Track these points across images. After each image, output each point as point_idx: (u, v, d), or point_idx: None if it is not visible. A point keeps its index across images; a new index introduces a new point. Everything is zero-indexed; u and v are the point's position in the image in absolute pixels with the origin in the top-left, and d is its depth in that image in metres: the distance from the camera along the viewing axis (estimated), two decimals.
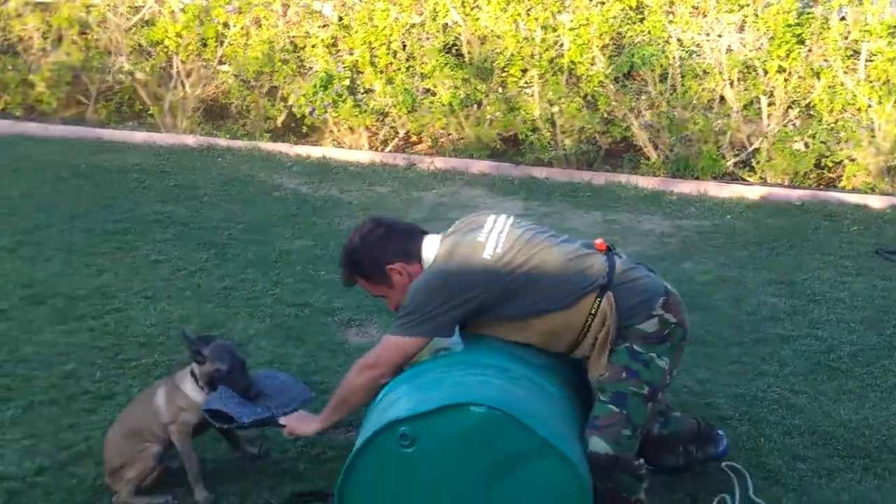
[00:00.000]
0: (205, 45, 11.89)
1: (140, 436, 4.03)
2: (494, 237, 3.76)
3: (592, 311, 3.68)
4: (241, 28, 11.78)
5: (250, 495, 4.14)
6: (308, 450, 4.51)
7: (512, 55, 10.94)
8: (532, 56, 10.88)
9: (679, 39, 10.70)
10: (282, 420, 3.95)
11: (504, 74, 11.08)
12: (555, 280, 3.68)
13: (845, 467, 4.64)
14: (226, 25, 11.78)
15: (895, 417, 5.15)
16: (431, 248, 3.86)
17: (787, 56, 10.27)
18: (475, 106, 11.27)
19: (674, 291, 3.88)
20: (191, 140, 11.31)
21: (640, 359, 3.70)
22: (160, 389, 4.12)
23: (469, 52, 11.31)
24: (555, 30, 10.87)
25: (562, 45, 10.84)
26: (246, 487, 4.19)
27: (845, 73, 10.18)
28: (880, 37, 9.96)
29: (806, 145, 10.33)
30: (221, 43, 11.84)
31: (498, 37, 11.05)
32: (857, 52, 10.19)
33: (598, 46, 10.74)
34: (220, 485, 4.19)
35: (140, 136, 11.37)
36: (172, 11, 11.87)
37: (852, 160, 10.23)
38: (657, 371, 3.72)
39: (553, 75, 10.89)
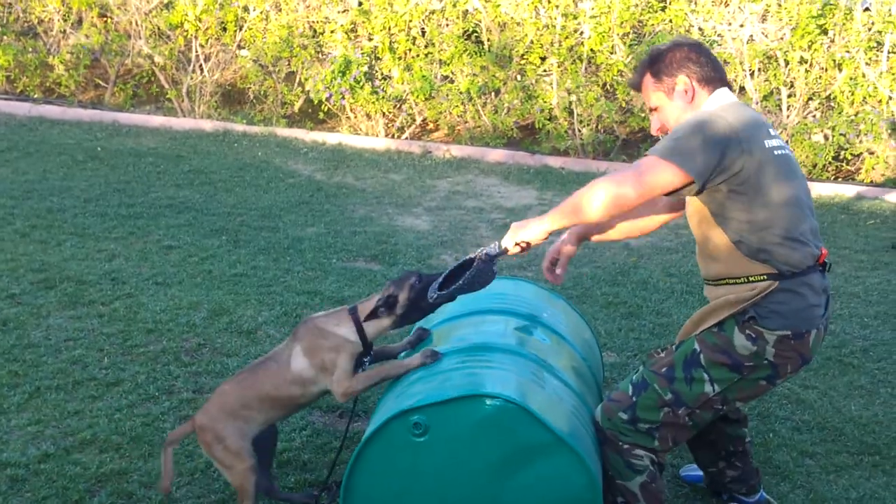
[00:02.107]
0: (224, 29, 11.91)
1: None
2: (778, 141, 3.58)
3: (752, 278, 3.49)
4: (261, 12, 11.78)
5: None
6: (313, 440, 4.50)
7: (531, 43, 10.89)
8: (552, 44, 10.83)
9: (700, 29, 10.62)
10: (505, 239, 3.61)
11: (523, 62, 11.03)
12: (781, 226, 3.47)
13: (854, 464, 4.59)
14: (245, 9, 11.79)
15: None
16: (723, 97, 3.60)
17: (810, 47, 10.18)
18: (493, 94, 11.23)
19: (814, 339, 3.56)
20: (207, 125, 11.32)
21: (689, 372, 3.56)
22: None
23: (489, 39, 11.27)
24: (575, 17, 10.82)
25: (582, 32, 10.78)
26: None
27: (867, 64, 10.07)
28: None
29: (825, 137, 10.24)
30: (241, 27, 11.85)
31: (518, 24, 11.00)
32: (879, 44, 10.09)
33: (618, 35, 10.68)
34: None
35: (157, 120, 11.40)
36: None
37: (871, 153, 10.14)
38: (695, 392, 3.53)
39: (572, 63, 10.84)
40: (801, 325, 3.48)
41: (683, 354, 3.58)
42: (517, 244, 3.55)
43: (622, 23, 10.62)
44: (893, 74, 9.91)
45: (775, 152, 3.46)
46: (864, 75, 10.05)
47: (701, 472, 4.28)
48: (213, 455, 3.77)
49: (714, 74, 3.61)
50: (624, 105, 10.80)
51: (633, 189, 3.36)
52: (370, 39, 11.39)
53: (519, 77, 11.11)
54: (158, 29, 12.07)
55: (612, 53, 10.72)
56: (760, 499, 4.18)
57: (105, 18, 12.28)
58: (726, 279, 3.55)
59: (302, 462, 4.31)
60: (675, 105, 3.62)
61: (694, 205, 3.57)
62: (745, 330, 3.48)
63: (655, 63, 3.65)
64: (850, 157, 10.37)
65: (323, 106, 11.54)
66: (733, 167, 3.35)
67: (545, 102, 10.96)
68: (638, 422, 3.57)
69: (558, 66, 10.86)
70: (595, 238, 4.16)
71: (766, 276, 3.45)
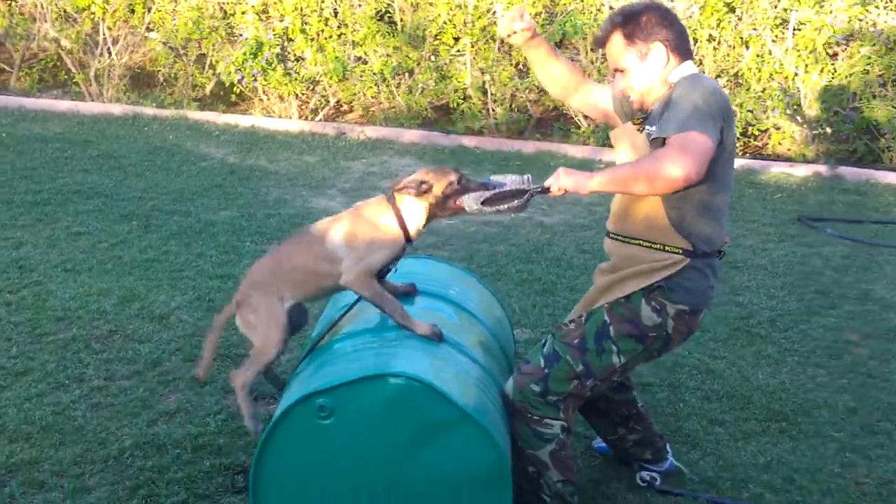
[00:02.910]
0: (132, 11, 11.70)
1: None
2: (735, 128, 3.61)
3: (667, 248, 3.53)
4: None
5: (169, 469, 4.09)
6: (228, 423, 4.47)
7: (444, 23, 10.87)
8: (465, 23, 10.83)
9: (611, 7, 10.69)
10: (551, 179, 3.52)
11: (436, 42, 11.02)
12: (715, 206, 3.55)
13: (762, 430, 4.72)
14: None
15: (811, 381, 5.24)
16: (692, 69, 3.58)
17: (718, 25, 10.33)
18: (407, 74, 11.21)
19: (701, 318, 3.70)
20: (116, 109, 11.12)
21: (601, 343, 3.62)
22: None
23: (401, 20, 11.23)
24: None
25: (494, 12, 10.79)
26: (164, 462, 4.14)
27: (773, 41, 10.27)
28: (809, 6, 10.05)
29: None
30: (149, 9, 11.65)
31: (430, 4, 10.98)
32: (785, 21, 10.28)
33: (530, 14, 10.69)
34: (138, 461, 4.14)
35: (64, 105, 11.17)
36: None
37: (778, 128, 10.36)
38: (604, 363, 3.61)
39: (485, 43, 10.86)
40: (700, 302, 3.61)
41: (594, 326, 3.64)
42: (561, 188, 3.46)
43: (534, 2, 10.65)
44: (799, 51, 10.12)
45: (735, 133, 3.55)
46: (770, 52, 10.25)
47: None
48: (246, 322, 3.79)
49: (685, 45, 3.59)
50: (537, 84, 10.85)
51: (695, 172, 3.20)
52: (282, 20, 11.27)
53: (432, 57, 11.10)
54: (65, 12, 11.79)
55: None
56: (670, 466, 4.27)
57: (9, 2, 11.97)
58: (640, 241, 3.60)
59: (217, 446, 4.29)
60: (647, 69, 3.56)
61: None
62: (650, 301, 3.56)
63: (629, 23, 3.57)
64: (757, 133, 10.58)
65: (235, 88, 11.40)
66: (724, 141, 3.41)
67: (459, 82, 10.98)
68: (549, 394, 3.62)
69: (472, 46, 10.87)
70: (537, 62, 4.01)
71: (681, 251, 3.53)
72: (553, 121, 11.06)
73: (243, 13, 11.36)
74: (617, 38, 3.58)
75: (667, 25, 3.54)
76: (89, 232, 6.97)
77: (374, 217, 3.71)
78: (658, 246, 3.55)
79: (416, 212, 3.68)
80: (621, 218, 3.68)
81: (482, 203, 3.54)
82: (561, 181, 3.44)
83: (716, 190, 3.49)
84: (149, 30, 11.82)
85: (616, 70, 3.64)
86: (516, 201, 3.53)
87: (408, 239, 3.69)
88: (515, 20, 3.75)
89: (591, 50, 10.65)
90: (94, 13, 11.51)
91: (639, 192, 3.35)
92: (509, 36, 3.82)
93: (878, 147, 10.15)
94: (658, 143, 3.34)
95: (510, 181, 3.59)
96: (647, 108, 3.60)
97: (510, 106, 10.93)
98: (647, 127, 3.56)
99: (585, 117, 10.58)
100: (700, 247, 3.54)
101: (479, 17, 10.77)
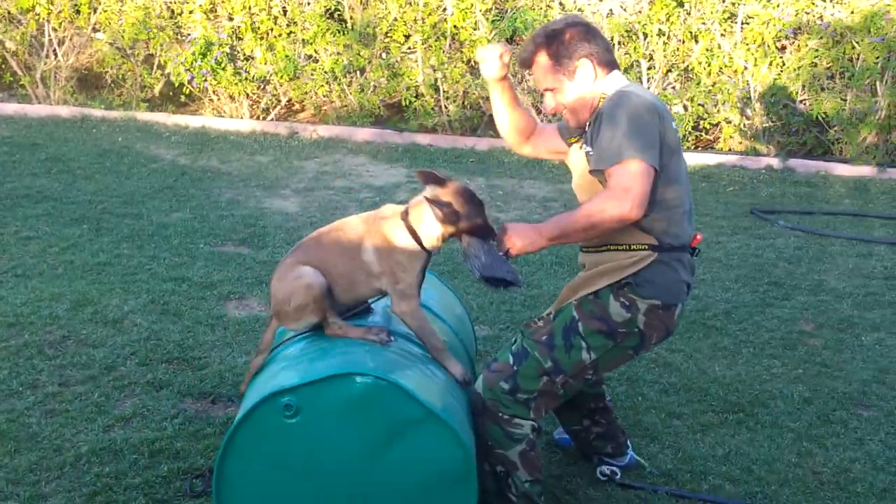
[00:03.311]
0: (78, 12, 11.54)
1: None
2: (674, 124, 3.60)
3: (633, 247, 3.54)
4: None
5: (126, 475, 4.03)
6: (185, 427, 4.42)
7: (395, 20, 10.84)
8: (415, 21, 10.80)
9: (561, 3, 10.74)
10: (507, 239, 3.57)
11: (387, 40, 10.98)
12: (666, 200, 3.53)
13: (719, 422, 4.75)
14: None
15: (767, 372, 5.28)
16: (620, 79, 3.60)
17: (667, 19, 10.39)
18: (358, 73, 11.17)
19: (678, 314, 3.70)
20: (64, 111, 10.98)
21: (569, 339, 3.62)
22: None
23: (351, 18, 11.19)
24: None
25: (445, 9, 10.79)
26: (121, 468, 4.08)
27: (723, 35, 10.35)
28: (757, 0, 10.15)
29: (685, 108, 10.50)
30: (95, 10, 11.50)
31: (380, 1, 10.95)
32: (734, 15, 10.37)
33: (481, 11, 10.72)
34: (94, 467, 4.08)
35: (10, 108, 11.01)
36: None
37: (729, 122, 10.46)
38: (573, 359, 3.63)
39: (436, 40, 10.84)
40: (671, 297, 3.61)
41: (563, 322, 3.65)
42: (518, 251, 3.55)
43: None
44: (747, 45, 10.21)
45: (675, 129, 3.57)
46: (719, 46, 10.33)
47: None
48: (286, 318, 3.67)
49: (610, 56, 3.62)
50: None
51: (631, 203, 3.29)
52: (231, 19, 11.18)
53: (384, 55, 11.06)
54: (9, 13, 11.60)
55: (475, 30, 10.76)
56: (630, 461, 4.28)
57: None
58: (608, 246, 3.62)
59: (175, 450, 4.23)
60: (576, 87, 3.58)
61: (588, 178, 3.61)
62: (619, 297, 3.57)
63: (553, 42, 3.58)
64: (708, 127, 10.67)
65: (185, 89, 11.30)
66: (666, 145, 3.44)
67: (411, 80, 10.96)
68: (518, 391, 3.61)
69: (423, 44, 10.85)
70: (501, 105, 3.97)
71: (647, 247, 3.55)
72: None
73: (191, 12, 11.26)
74: (543, 59, 3.61)
75: (590, 40, 3.58)
76: (39, 236, 6.86)
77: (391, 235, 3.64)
78: (624, 246, 3.57)
79: (431, 230, 3.63)
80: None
81: (481, 276, 3.57)
82: (516, 245, 3.53)
83: (668, 184, 3.50)
84: (95, 30, 11.67)
85: (545, 90, 3.66)
86: (501, 287, 3.64)
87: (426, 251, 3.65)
88: (504, 56, 3.75)
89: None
90: (38, 14, 11.35)
91: (588, 237, 3.49)
92: (489, 68, 3.79)
93: (828, 139, 10.27)
94: (598, 174, 3.42)
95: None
96: (583, 123, 3.63)
97: (463, 103, 10.93)
98: (584, 146, 3.59)
99: (539, 113, 10.60)
100: (665, 241, 3.55)
101: (430, 14, 10.76)
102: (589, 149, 3.51)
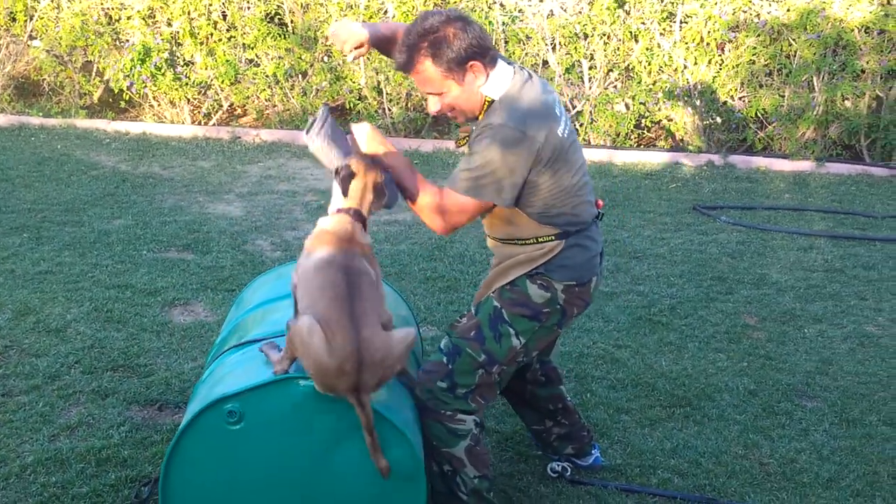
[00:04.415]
0: (13, 19, 11.38)
1: None
2: (564, 119, 3.58)
3: (540, 239, 3.59)
4: (52, 0, 11.28)
5: (73, 484, 3.97)
6: (132, 435, 4.37)
7: None
8: None
9: (502, 4, 10.77)
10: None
11: (329, 43, 10.94)
12: (564, 193, 3.56)
13: (667, 416, 4.80)
14: None
15: (712, 366, 5.34)
16: (505, 73, 3.52)
17: (611, 21, 10.45)
18: (300, 76, 11.12)
19: (594, 286, 3.75)
20: (1, 119, 10.81)
21: (496, 329, 3.65)
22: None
23: (292, 22, 11.14)
24: None
25: (386, 11, 10.77)
26: (68, 478, 4.02)
27: (662, 35, 10.45)
28: None
29: (627, 107, 10.60)
30: (31, 17, 11.33)
31: (321, 4, 10.91)
32: (672, 15, 10.47)
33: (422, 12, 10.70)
34: (40, 477, 4.01)
35: None
36: None
37: (670, 120, 10.56)
38: (505, 347, 3.66)
39: None
40: (584, 275, 3.69)
41: (487, 314, 3.69)
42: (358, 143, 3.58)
43: (425, 1, 10.66)
44: (686, 44, 10.32)
45: (564, 134, 3.57)
46: (659, 45, 10.43)
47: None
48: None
49: (490, 47, 3.51)
50: None
51: (443, 226, 3.60)
52: (170, 25, 11.07)
53: (326, 58, 11.03)
54: None
55: None
56: (595, 462, 4.30)
57: None
58: (515, 240, 3.68)
59: (122, 458, 4.19)
60: (466, 91, 3.50)
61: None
62: (536, 282, 3.64)
63: (434, 45, 3.41)
64: (650, 125, 10.76)
65: (124, 95, 11.18)
66: (537, 179, 3.50)
67: (354, 83, 10.93)
68: (457, 388, 3.62)
69: None
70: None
71: (553, 237, 3.61)
72: (450, 119, 11.06)
73: (129, 18, 11.12)
74: (428, 66, 3.45)
75: (472, 35, 3.43)
76: None
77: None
78: (531, 240, 3.63)
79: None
80: (490, 223, 3.76)
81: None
82: (366, 144, 3.57)
83: (567, 172, 3.56)
84: (32, 38, 11.50)
85: (429, 94, 3.56)
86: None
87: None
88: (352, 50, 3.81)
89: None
90: None
91: (408, 194, 3.60)
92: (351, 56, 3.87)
93: (767, 135, 10.42)
94: None
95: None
96: (472, 118, 3.60)
97: (406, 105, 10.93)
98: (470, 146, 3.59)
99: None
100: (571, 228, 3.62)
101: (371, 18, 10.74)
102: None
